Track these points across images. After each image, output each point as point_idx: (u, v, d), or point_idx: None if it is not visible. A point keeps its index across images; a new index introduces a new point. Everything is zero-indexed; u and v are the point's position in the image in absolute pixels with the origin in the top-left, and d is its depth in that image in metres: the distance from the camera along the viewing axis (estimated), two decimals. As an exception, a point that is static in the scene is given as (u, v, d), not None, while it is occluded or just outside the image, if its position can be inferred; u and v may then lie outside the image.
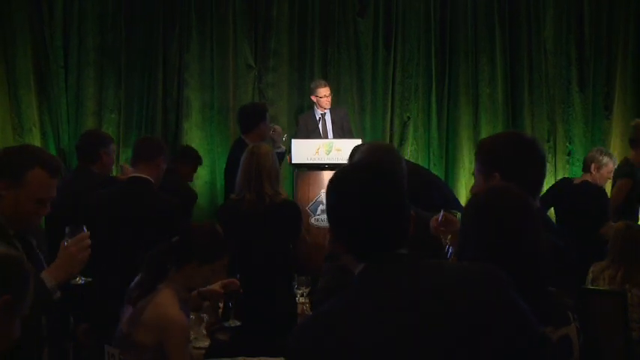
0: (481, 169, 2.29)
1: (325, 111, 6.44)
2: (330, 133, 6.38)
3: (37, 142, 6.74)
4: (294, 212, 3.74)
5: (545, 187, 7.08)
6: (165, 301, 2.58)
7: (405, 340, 1.34)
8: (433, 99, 7.21)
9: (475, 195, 1.97)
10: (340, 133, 6.37)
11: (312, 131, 6.37)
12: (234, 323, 3.34)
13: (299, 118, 6.74)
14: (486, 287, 1.43)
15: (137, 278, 2.78)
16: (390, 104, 7.22)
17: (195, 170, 5.91)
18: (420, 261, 1.49)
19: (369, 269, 1.47)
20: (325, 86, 6.41)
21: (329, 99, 6.39)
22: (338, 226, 1.55)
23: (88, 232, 2.43)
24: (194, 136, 7.11)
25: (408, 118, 7.24)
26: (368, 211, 1.50)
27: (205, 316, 3.55)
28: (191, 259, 2.65)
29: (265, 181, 3.56)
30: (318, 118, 6.44)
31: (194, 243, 2.67)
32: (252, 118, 5.34)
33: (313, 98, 6.48)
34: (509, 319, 1.41)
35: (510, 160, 2.22)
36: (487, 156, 2.29)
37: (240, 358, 2.95)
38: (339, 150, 5.76)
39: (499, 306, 1.41)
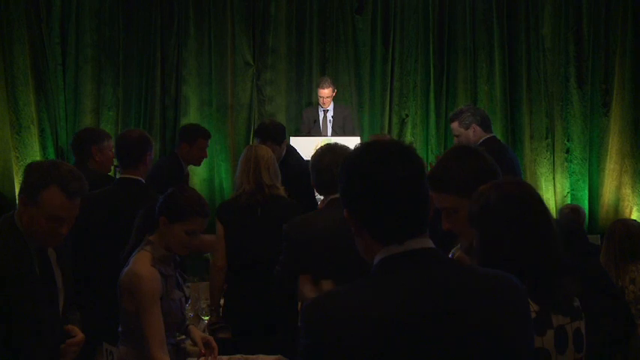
0: (460, 192, 2.12)
1: (328, 108, 6.49)
2: (328, 130, 6.41)
3: (34, 140, 6.74)
4: (293, 208, 3.72)
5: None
6: (137, 262, 2.68)
7: (415, 335, 1.34)
8: (431, 96, 7.20)
9: (486, 194, 1.89)
10: (339, 131, 6.39)
11: (314, 126, 6.41)
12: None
13: (304, 111, 6.80)
14: (507, 298, 1.44)
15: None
16: (388, 101, 7.23)
17: (195, 147, 5.05)
18: (444, 259, 1.46)
19: (392, 260, 1.43)
20: (325, 87, 6.45)
21: (329, 99, 6.48)
22: (359, 207, 1.47)
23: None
24: (192, 134, 7.10)
25: (407, 115, 7.24)
26: (395, 191, 1.44)
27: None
28: (160, 215, 2.72)
29: (264, 172, 3.57)
30: (320, 114, 6.49)
31: (163, 201, 2.75)
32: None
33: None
34: (521, 332, 1.44)
35: (490, 168, 2.20)
36: (465, 180, 2.13)
37: (237, 355, 2.95)
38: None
39: (515, 318, 1.43)
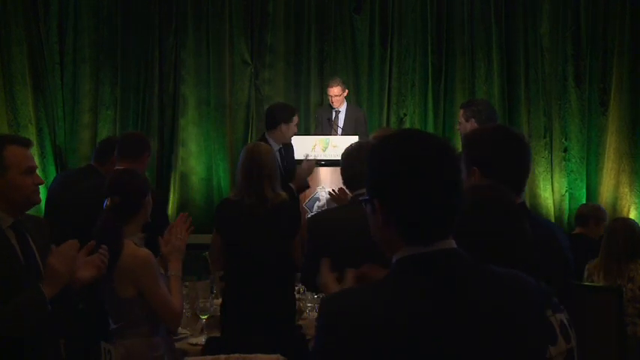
0: (464, 164, 2.24)
1: (340, 108, 6.44)
2: (339, 130, 6.33)
3: (33, 139, 6.69)
4: (293, 213, 3.72)
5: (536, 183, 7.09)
6: (127, 248, 2.79)
7: (432, 337, 1.32)
8: (429, 96, 7.21)
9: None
10: (351, 132, 6.26)
11: (327, 125, 6.36)
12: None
13: (317, 110, 6.77)
14: (525, 300, 1.42)
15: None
16: (386, 101, 7.22)
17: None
18: (465, 260, 1.41)
19: (414, 259, 1.39)
20: (334, 86, 6.37)
21: (338, 98, 6.36)
22: (392, 198, 1.40)
23: (72, 243, 2.40)
24: (190, 133, 7.11)
25: (405, 114, 7.24)
26: (434, 185, 1.38)
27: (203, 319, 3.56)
28: (139, 207, 2.89)
29: (266, 183, 3.51)
30: (333, 114, 6.44)
31: (131, 192, 2.88)
32: (276, 117, 5.30)
33: None
34: (537, 335, 1.43)
35: (488, 157, 2.24)
36: (467, 151, 2.29)
37: (236, 355, 2.94)
38: (335, 147, 5.76)
39: (532, 321, 1.42)
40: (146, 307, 2.78)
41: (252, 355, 2.89)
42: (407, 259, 1.39)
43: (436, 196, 1.38)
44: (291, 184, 4.93)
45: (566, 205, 7.03)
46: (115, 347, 2.78)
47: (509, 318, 1.38)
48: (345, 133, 6.23)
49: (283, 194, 3.58)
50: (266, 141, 5.17)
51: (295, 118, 5.32)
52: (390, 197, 1.40)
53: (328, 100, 6.50)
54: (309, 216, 5.67)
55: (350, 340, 1.31)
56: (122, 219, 2.83)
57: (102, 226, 2.81)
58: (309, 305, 3.75)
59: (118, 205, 2.82)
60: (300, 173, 4.97)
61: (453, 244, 1.41)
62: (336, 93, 6.35)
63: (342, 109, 6.43)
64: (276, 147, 5.19)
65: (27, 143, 2.53)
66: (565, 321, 1.86)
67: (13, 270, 2.38)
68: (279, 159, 5.05)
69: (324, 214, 3.26)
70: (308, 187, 5.07)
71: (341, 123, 6.36)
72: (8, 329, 2.29)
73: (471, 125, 4.49)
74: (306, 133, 6.93)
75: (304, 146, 5.67)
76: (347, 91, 6.47)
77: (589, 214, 5.30)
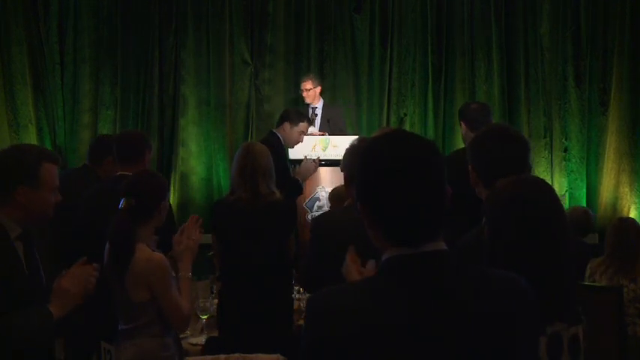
0: (474, 167, 2.37)
1: (315, 105, 6.42)
2: (316, 129, 6.34)
3: (33, 139, 6.74)
4: (288, 211, 3.72)
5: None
6: (141, 251, 2.78)
7: (416, 339, 1.32)
8: (430, 95, 7.20)
9: (499, 189, 1.94)
10: (329, 130, 6.26)
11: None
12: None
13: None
14: (516, 302, 1.40)
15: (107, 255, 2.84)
16: (386, 101, 7.22)
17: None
18: (455, 262, 1.40)
19: (401, 260, 1.38)
20: (305, 81, 6.38)
21: (308, 93, 6.35)
22: (372, 201, 1.40)
23: (86, 267, 2.41)
24: (190, 133, 7.11)
25: (405, 114, 7.24)
26: (411, 185, 1.37)
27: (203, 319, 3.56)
28: (154, 210, 2.87)
29: (260, 181, 3.52)
30: (309, 112, 6.43)
31: (148, 194, 2.86)
32: (285, 115, 5.40)
33: None
34: (528, 337, 1.42)
35: (480, 156, 2.27)
36: (467, 151, 2.39)
37: (236, 355, 2.94)
38: (335, 146, 5.76)
39: (522, 323, 1.40)
40: (159, 309, 2.78)
41: (253, 355, 2.89)
42: (394, 260, 1.39)
43: (416, 198, 1.37)
44: (297, 177, 5.01)
45: (566, 205, 7.01)
46: (121, 348, 2.78)
47: (497, 319, 1.36)
48: (322, 130, 6.22)
49: (277, 193, 3.59)
50: (273, 136, 5.23)
51: (302, 125, 5.35)
52: (370, 200, 1.40)
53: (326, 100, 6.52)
54: (309, 216, 5.68)
55: (334, 339, 1.31)
56: (136, 221, 2.80)
57: (115, 228, 2.80)
58: (309, 305, 3.74)
59: (133, 207, 2.79)
60: (301, 172, 5.09)
61: (442, 245, 1.39)
62: (306, 87, 6.36)
63: (319, 106, 6.43)
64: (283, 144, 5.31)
65: (57, 160, 2.55)
66: (580, 335, 1.83)
67: (18, 281, 2.37)
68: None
69: (326, 215, 3.28)
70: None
71: (318, 119, 6.36)
72: (10, 342, 2.26)
73: (464, 128, 4.46)
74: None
75: (303, 146, 5.67)
76: (320, 87, 6.46)
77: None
